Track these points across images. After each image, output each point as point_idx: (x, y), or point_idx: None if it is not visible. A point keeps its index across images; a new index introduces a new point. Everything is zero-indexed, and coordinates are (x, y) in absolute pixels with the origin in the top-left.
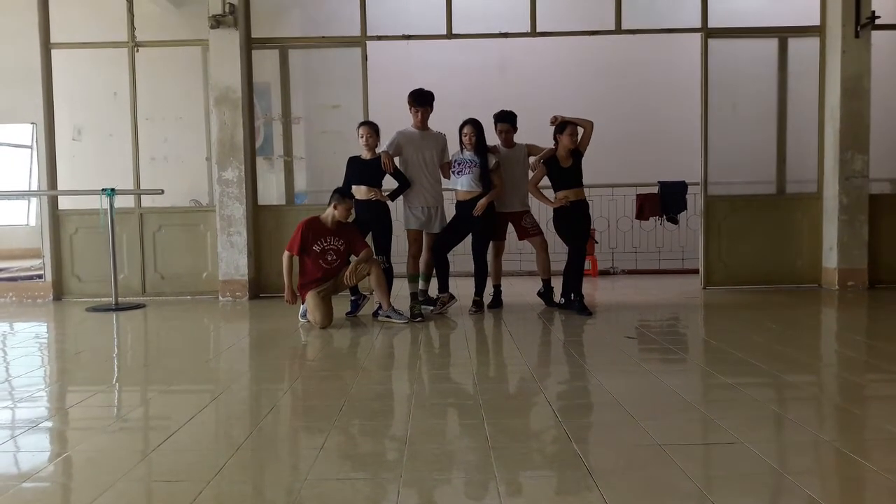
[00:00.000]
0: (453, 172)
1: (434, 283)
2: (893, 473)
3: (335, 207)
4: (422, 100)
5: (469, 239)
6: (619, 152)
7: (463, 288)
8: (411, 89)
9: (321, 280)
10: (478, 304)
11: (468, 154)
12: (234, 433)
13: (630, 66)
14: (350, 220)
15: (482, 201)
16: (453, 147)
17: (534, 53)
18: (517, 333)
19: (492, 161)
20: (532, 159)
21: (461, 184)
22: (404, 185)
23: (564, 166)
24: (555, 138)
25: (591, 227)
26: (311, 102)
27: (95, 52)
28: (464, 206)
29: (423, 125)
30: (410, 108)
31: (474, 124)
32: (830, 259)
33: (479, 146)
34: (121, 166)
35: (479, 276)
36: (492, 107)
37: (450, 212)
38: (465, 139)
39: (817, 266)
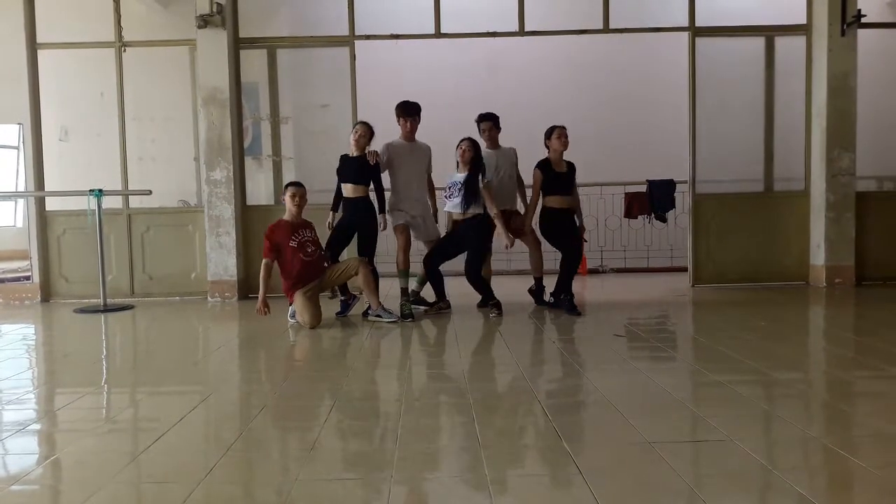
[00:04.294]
0: (446, 197)
1: (428, 285)
2: (882, 469)
3: (289, 200)
4: (410, 110)
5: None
6: (607, 151)
7: (456, 287)
8: (400, 89)
9: (305, 276)
10: (497, 305)
11: (460, 175)
12: (223, 434)
13: (618, 65)
14: (301, 206)
15: (500, 231)
16: (438, 158)
17: (523, 53)
18: (507, 332)
19: (482, 181)
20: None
21: (451, 206)
22: (381, 197)
23: (558, 171)
24: (546, 145)
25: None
26: (299, 102)
27: (82, 52)
28: (457, 223)
29: (411, 136)
30: (399, 120)
31: (472, 141)
32: (818, 256)
33: (474, 164)
34: (108, 167)
35: (480, 285)
36: (480, 106)
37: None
38: (460, 154)
39: (805, 263)
